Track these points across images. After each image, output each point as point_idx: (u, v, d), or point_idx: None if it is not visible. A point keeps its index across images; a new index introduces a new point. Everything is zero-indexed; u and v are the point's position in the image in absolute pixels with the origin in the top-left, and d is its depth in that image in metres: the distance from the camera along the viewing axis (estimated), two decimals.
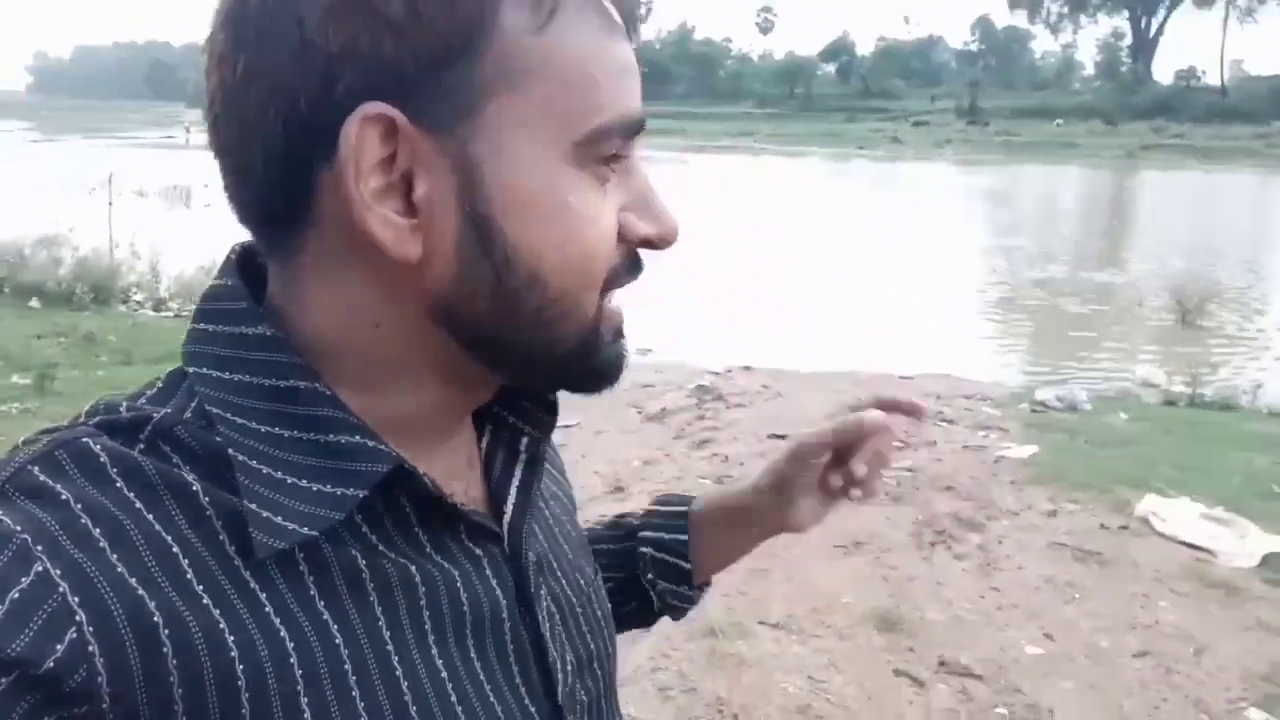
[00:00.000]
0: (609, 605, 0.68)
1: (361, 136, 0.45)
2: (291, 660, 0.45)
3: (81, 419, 0.48)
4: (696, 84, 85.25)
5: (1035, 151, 48.03)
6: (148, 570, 0.43)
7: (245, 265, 0.53)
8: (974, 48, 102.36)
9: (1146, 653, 3.34)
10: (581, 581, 0.64)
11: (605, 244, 0.50)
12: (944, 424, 5.99)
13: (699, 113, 67.69)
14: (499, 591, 0.54)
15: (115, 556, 0.42)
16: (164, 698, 0.41)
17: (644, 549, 0.81)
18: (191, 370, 0.50)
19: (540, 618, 0.56)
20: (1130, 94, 65.95)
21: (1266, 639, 3.44)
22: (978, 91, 69.10)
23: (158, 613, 0.42)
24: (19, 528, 0.41)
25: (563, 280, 0.49)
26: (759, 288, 11.84)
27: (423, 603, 0.50)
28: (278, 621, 0.45)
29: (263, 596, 0.45)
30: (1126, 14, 75.98)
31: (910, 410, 0.76)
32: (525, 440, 0.60)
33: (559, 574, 0.61)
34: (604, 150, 0.49)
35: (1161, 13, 75.04)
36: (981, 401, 6.82)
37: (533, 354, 0.51)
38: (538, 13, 0.46)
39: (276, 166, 0.47)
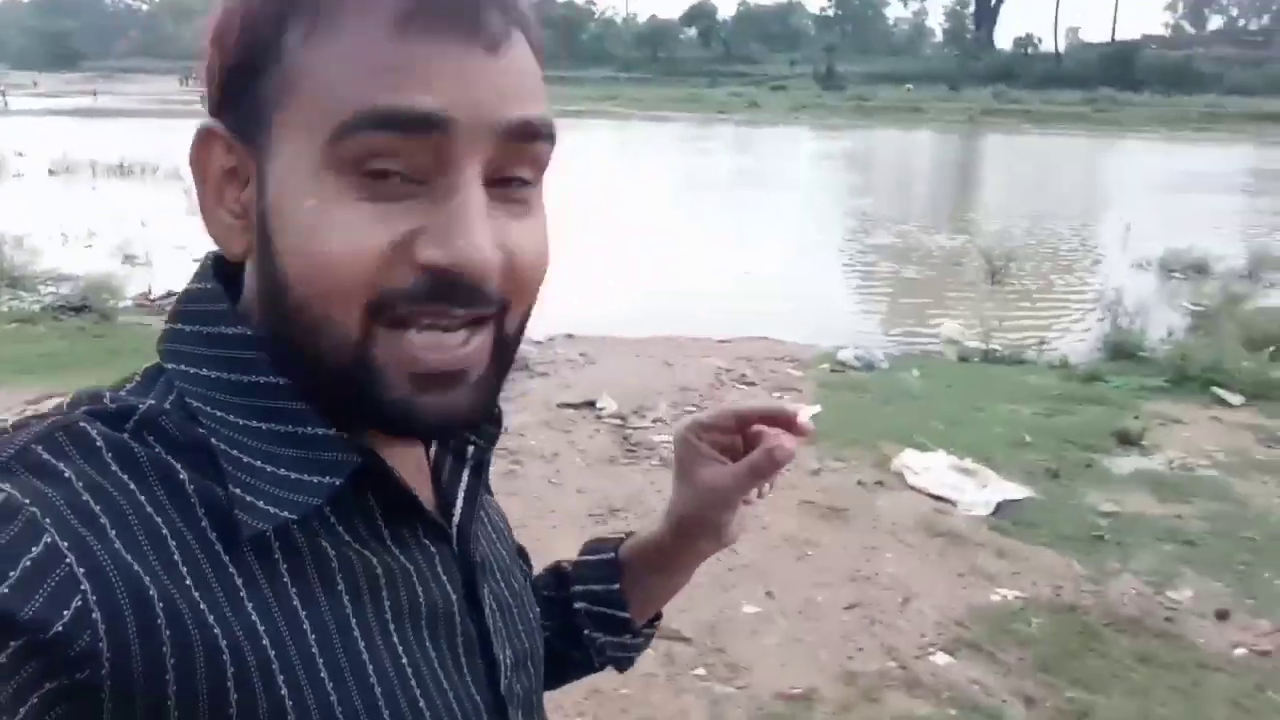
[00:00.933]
0: (538, 609, 0.70)
1: (204, 147, 0.52)
2: (264, 642, 0.47)
3: (64, 408, 0.50)
4: (558, 47, 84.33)
5: (886, 116, 49.59)
6: (141, 548, 0.45)
7: (218, 271, 0.56)
8: (831, 13, 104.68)
9: (857, 604, 3.53)
10: (515, 585, 0.67)
11: (351, 255, 0.48)
12: (743, 386, 6.23)
13: (562, 76, 67.00)
14: (449, 587, 0.57)
15: (114, 533, 0.45)
16: (158, 668, 0.44)
17: (578, 604, 0.80)
18: (170, 366, 0.53)
19: (486, 614, 0.60)
20: (974, 60, 69.01)
21: (973, 585, 3.72)
22: (834, 57, 70.79)
23: (153, 587, 0.45)
24: (27, 500, 0.44)
25: (304, 289, 0.49)
26: (602, 255, 11.94)
27: (384, 593, 0.53)
28: (251, 606, 0.48)
29: (239, 581, 0.48)
30: None
31: (791, 427, 0.72)
32: (472, 449, 0.63)
33: (498, 576, 0.65)
34: (362, 151, 0.47)
35: None
36: (789, 364, 7.12)
37: (307, 370, 0.51)
38: (309, 25, 0.48)
39: None
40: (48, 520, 0.44)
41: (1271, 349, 7.88)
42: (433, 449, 0.62)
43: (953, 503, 4.40)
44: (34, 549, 0.43)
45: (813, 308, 10.12)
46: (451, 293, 0.49)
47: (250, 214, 0.51)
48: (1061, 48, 77.04)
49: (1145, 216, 16.20)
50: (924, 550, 3.98)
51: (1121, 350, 8.02)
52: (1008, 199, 20.29)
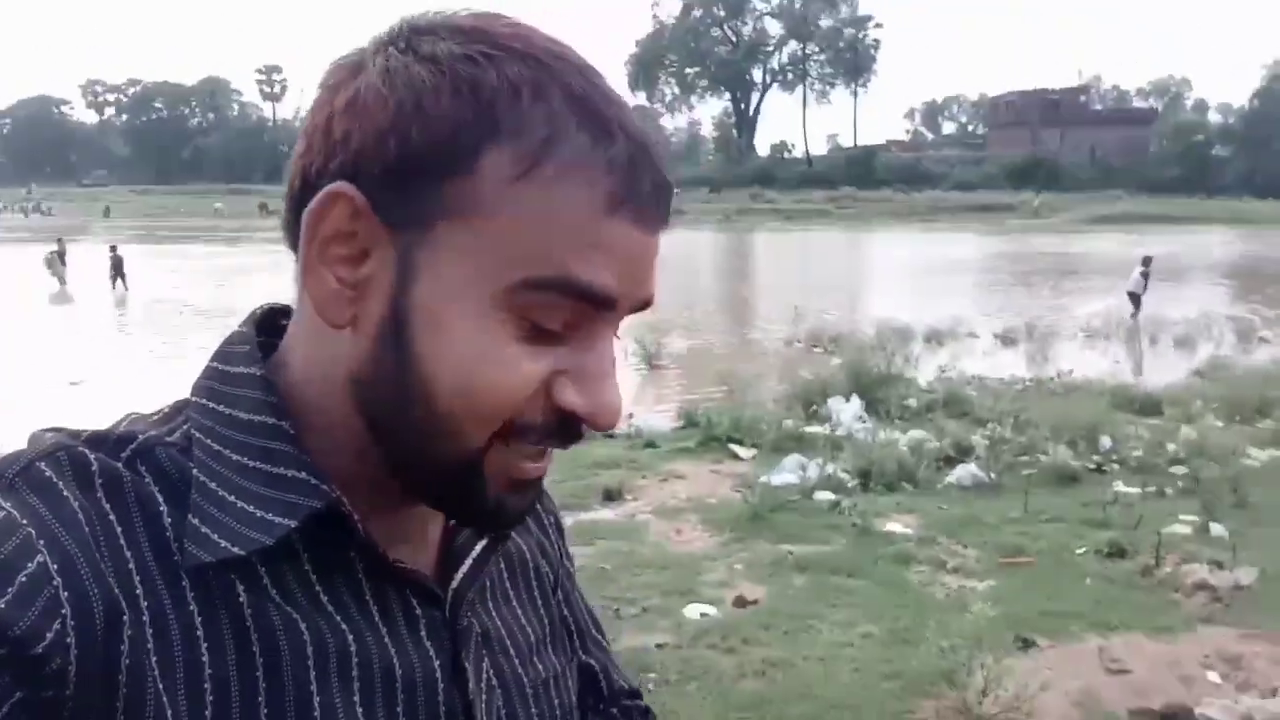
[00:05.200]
0: (571, 699, 0.69)
1: (326, 207, 0.51)
2: (205, 685, 0.48)
3: (119, 425, 0.55)
4: None
5: None
6: (113, 578, 0.47)
7: (267, 322, 0.59)
8: None
9: None
10: (540, 666, 0.65)
11: (507, 387, 0.50)
12: None
13: None
14: (433, 653, 0.56)
15: (96, 559, 0.47)
16: (112, 698, 0.46)
17: None
18: (193, 400, 0.56)
19: (471, 686, 0.58)
20: (736, 165, 74.20)
21: None
22: None
23: (128, 618, 0.47)
24: (25, 521, 0.46)
25: (450, 404, 0.50)
26: None
27: (331, 658, 0.52)
28: (204, 646, 0.49)
29: (198, 619, 0.49)
30: (729, 96, 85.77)
31: None
32: None
33: (511, 653, 0.63)
34: (539, 303, 0.50)
35: (755, 95, 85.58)
36: None
37: (412, 461, 0.53)
38: (519, 164, 0.49)
39: (291, 208, 0.54)
40: (41, 542, 0.46)
41: (812, 407, 9.05)
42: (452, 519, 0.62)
43: None
44: (28, 566, 0.45)
45: None
46: (572, 431, 0.52)
47: (368, 291, 0.51)
48: (820, 151, 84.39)
49: (829, 298, 18.01)
50: None
51: (691, 419, 8.91)
52: (701, 286, 21.88)
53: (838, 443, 7.32)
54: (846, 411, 8.71)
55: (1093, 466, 6.93)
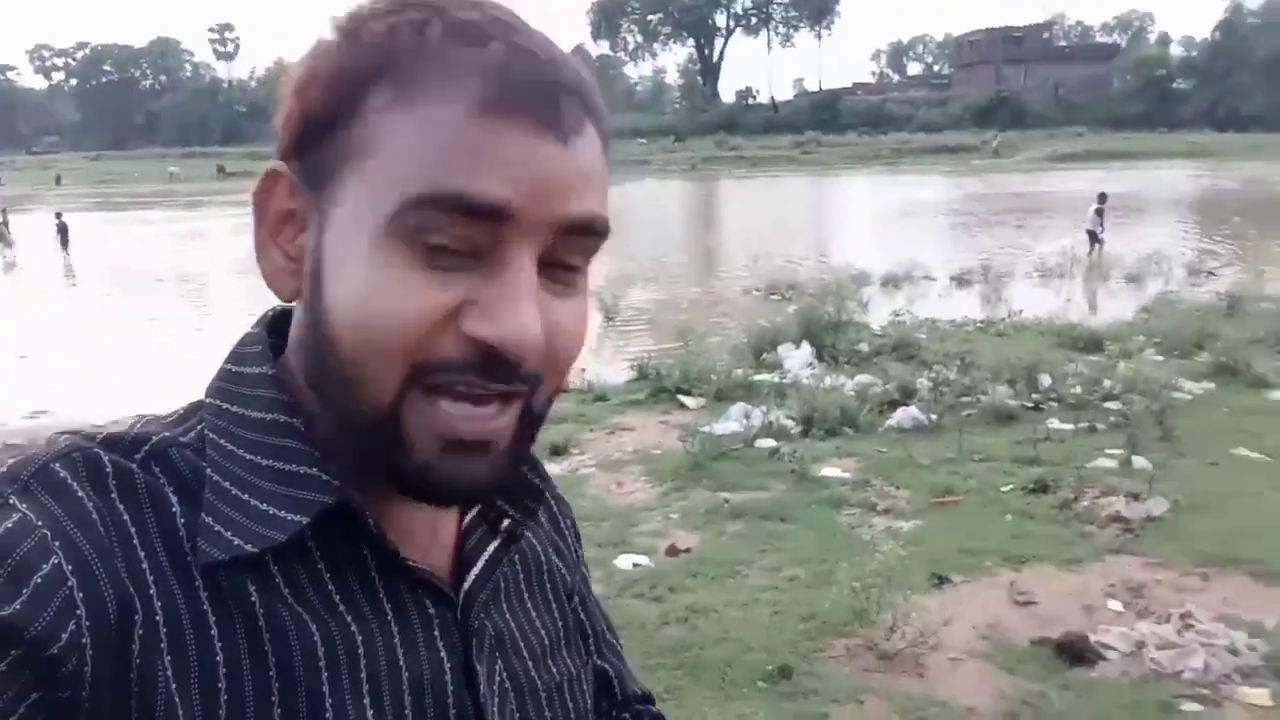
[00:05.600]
0: (587, 702, 0.68)
1: (265, 188, 0.53)
2: (220, 685, 0.49)
3: (134, 426, 0.55)
4: None
5: (615, 169, 52.02)
6: (127, 578, 0.48)
7: (279, 323, 0.59)
8: None
9: None
10: (554, 669, 0.64)
11: (401, 318, 0.48)
12: None
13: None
14: (444, 654, 0.56)
15: (110, 560, 0.47)
16: (125, 699, 0.47)
17: None
18: (207, 401, 0.56)
19: (482, 688, 0.57)
20: (701, 113, 73.55)
21: None
22: None
23: (142, 611, 0.47)
24: (40, 522, 0.46)
25: (352, 343, 0.49)
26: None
27: (342, 658, 0.52)
28: (219, 646, 0.49)
29: (211, 618, 0.49)
30: (692, 42, 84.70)
31: None
32: (507, 521, 0.63)
33: (524, 655, 0.62)
34: (427, 224, 0.48)
35: (719, 41, 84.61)
36: None
37: (339, 423, 0.52)
38: (395, 91, 0.49)
39: None
40: (57, 543, 0.46)
41: (763, 355, 9.14)
42: (466, 518, 0.62)
43: None
44: (44, 567, 0.45)
45: None
46: (492, 367, 0.49)
47: (304, 259, 0.52)
48: (786, 97, 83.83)
49: (791, 244, 18.02)
50: None
51: (643, 371, 8.97)
52: (665, 236, 21.85)
53: (782, 390, 7.42)
54: (795, 358, 8.81)
55: (1030, 405, 7.06)
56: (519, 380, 0.50)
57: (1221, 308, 10.93)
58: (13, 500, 0.47)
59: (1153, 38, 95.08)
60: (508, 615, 0.62)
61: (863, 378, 7.94)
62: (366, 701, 0.52)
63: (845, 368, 8.58)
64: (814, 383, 7.76)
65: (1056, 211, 23.73)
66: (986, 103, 67.05)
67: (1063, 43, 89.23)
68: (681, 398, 7.78)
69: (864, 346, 9.33)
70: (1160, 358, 8.63)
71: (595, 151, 0.52)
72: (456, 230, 0.48)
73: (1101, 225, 16.61)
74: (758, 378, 8.21)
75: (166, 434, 0.54)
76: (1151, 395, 6.75)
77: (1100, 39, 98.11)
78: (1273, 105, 60.40)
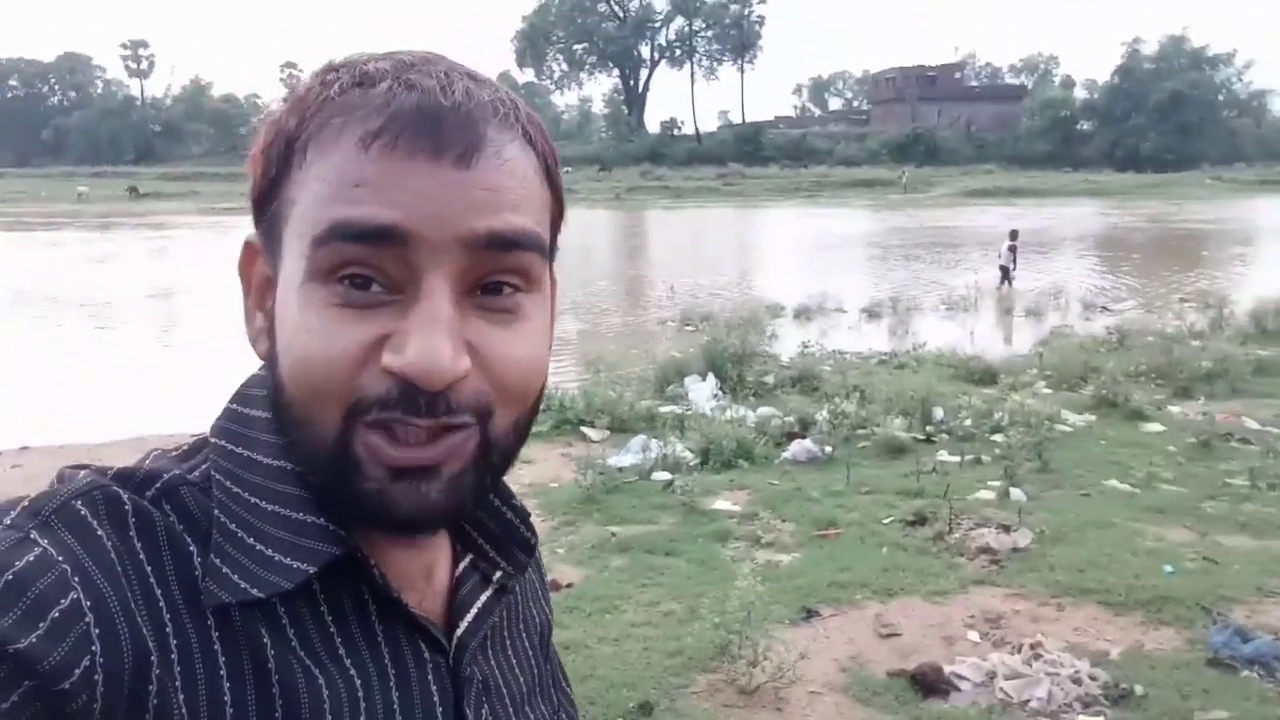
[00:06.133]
0: None
1: (248, 259, 0.57)
2: (229, 712, 0.50)
3: (143, 461, 0.56)
4: (216, 142, 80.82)
5: None
6: (144, 617, 0.48)
7: None
8: None
9: None
10: (530, 715, 0.66)
11: (328, 359, 0.50)
12: None
13: (217, 173, 64.13)
14: (437, 699, 0.57)
15: (127, 598, 0.48)
16: None
17: None
18: (213, 441, 0.57)
19: None
20: (626, 143, 74.13)
21: None
22: None
23: (157, 651, 0.48)
24: (60, 558, 0.47)
25: (291, 390, 0.52)
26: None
27: (327, 705, 0.53)
28: (227, 686, 0.50)
29: (221, 659, 0.50)
30: (617, 72, 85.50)
31: None
32: (499, 574, 0.64)
33: (506, 702, 0.63)
34: (335, 261, 0.50)
35: (644, 72, 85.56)
36: None
37: (303, 469, 0.54)
38: (306, 146, 0.52)
39: None
40: (76, 579, 0.47)
41: (669, 386, 9.21)
42: (460, 567, 0.62)
43: None
44: (62, 602, 0.46)
45: None
46: (415, 400, 0.49)
47: (272, 318, 0.55)
48: (712, 128, 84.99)
49: (711, 275, 18.20)
50: None
51: (548, 403, 8.94)
52: (590, 266, 21.94)
53: (682, 422, 7.48)
54: (699, 390, 8.90)
55: (922, 438, 7.26)
56: (446, 413, 0.50)
57: (1112, 341, 11.42)
58: (34, 535, 0.48)
59: (1057, 79, 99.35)
60: (492, 662, 0.63)
61: (765, 410, 8.07)
62: None
63: (750, 399, 8.71)
64: (715, 414, 7.86)
65: (968, 245, 24.54)
66: (903, 139, 69.08)
67: (974, 83, 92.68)
68: (585, 429, 7.79)
69: (770, 378, 9.49)
70: (1049, 390, 8.96)
71: (510, 168, 0.52)
72: (363, 262, 0.50)
73: (1014, 261, 17.22)
74: (663, 409, 8.27)
75: (176, 471, 0.55)
76: (1035, 427, 7.01)
77: (1009, 79, 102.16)
78: (1167, 146, 63.62)
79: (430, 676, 0.57)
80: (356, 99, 0.51)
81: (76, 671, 0.45)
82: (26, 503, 0.50)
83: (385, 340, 0.50)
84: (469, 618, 0.61)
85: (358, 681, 0.54)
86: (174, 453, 0.57)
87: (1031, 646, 3.46)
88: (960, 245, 25.49)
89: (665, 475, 6.21)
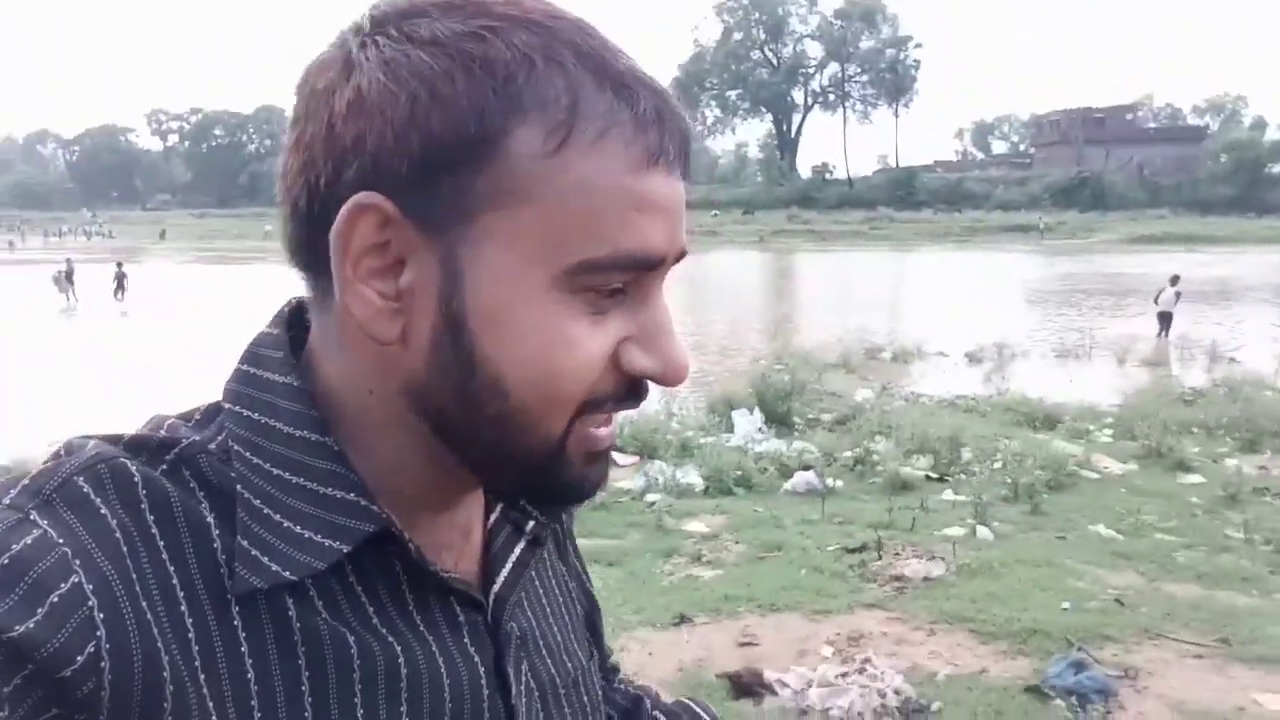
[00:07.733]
0: (598, 693, 0.69)
1: (353, 221, 0.48)
2: (253, 703, 0.48)
3: (159, 427, 0.54)
4: None
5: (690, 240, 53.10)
6: (156, 600, 0.47)
7: (297, 319, 0.57)
8: None
9: None
10: (569, 664, 0.65)
11: (582, 370, 0.50)
12: None
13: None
14: (477, 659, 0.56)
15: (136, 581, 0.46)
16: (157, 713, 0.45)
17: None
18: (226, 406, 0.54)
19: (514, 690, 0.58)
20: (777, 186, 74.40)
21: None
22: None
23: (164, 647, 0.46)
24: (61, 540, 0.45)
25: (524, 395, 0.50)
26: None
27: (381, 674, 0.52)
28: (250, 663, 0.48)
29: (242, 635, 0.49)
30: (770, 117, 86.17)
31: None
32: (532, 523, 0.63)
33: (544, 653, 0.63)
34: (597, 281, 0.49)
35: (797, 117, 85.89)
36: None
37: (492, 457, 0.52)
38: (550, 138, 0.47)
39: (300, 227, 0.51)
40: (78, 562, 0.45)
41: (718, 419, 9.44)
42: (490, 519, 0.62)
43: None
44: (62, 586, 0.44)
45: None
46: (642, 392, 0.52)
47: (414, 301, 0.49)
48: (867, 172, 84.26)
49: (828, 317, 18.20)
50: None
51: None
52: (712, 306, 22.30)
53: (688, 450, 7.72)
54: (745, 423, 9.10)
55: (935, 476, 7.22)
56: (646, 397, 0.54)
57: (1188, 393, 10.89)
58: (33, 515, 0.46)
59: (1247, 120, 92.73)
60: (529, 613, 0.63)
61: (799, 444, 8.19)
62: (403, 708, 0.53)
63: (792, 435, 8.84)
64: (750, 446, 8.05)
65: (1124, 292, 23.36)
66: (1066, 182, 66.21)
67: (1150, 124, 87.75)
68: (614, 454, 8.12)
69: (827, 416, 9.59)
70: (1109, 439, 8.65)
71: None
72: (619, 279, 0.50)
73: (1175, 305, 16.48)
74: (705, 440, 8.52)
75: (195, 438, 0.52)
76: (1056, 471, 6.86)
77: (1192, 121, 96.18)
78: None
79: (467, 638, 0.56)
80: (619, 112, 0.48)
81: (79, 658, 0.43)
82: (27, 480, 0.47)
83: (620, 343, 0.51)
84: (505, 572, 0.60)
85: (397, 648, 0.53)
86: (188, 420, 0.55)
87: (863, 661, 3.54)
88: (1123, 293, 24.31)
89: (656, 497, 6.48)
